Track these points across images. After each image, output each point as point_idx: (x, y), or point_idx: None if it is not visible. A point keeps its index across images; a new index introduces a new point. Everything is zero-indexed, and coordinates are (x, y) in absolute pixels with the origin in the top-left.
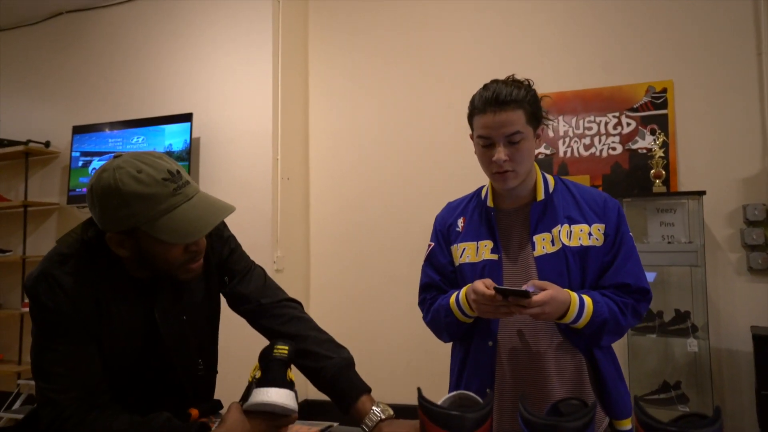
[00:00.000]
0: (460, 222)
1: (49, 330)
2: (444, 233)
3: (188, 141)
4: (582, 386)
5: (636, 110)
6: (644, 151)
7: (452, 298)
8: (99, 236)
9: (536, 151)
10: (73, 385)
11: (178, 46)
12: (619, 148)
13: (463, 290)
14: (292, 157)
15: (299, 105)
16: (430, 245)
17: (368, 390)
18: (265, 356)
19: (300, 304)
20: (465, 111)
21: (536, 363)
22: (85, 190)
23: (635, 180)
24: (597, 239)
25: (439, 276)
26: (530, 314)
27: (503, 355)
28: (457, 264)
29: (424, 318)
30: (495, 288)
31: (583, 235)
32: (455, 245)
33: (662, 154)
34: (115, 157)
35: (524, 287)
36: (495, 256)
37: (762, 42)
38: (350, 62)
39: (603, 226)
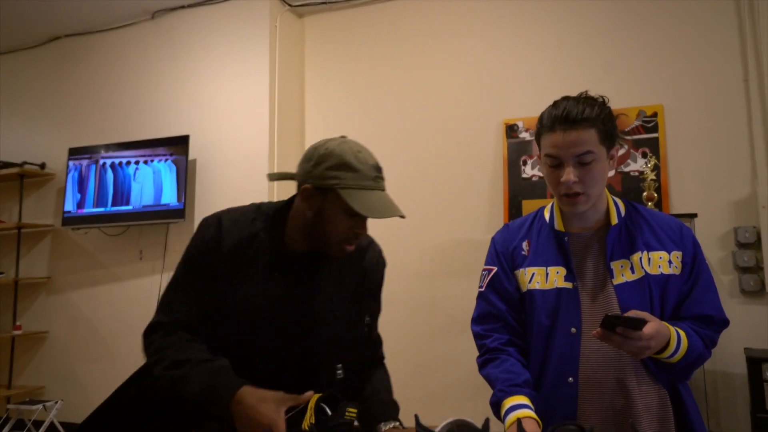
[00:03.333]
0: (525, 245)
1: (189, 262)
2: (507, 257)
3: (185, 164)
4: (668, 423)
5: (627, 134)
6: (636, 173)
7: (503, 407)
8: (280, 211)
9: (531, 173)
10: (184, 319)
11: (175, 68)
12: (612, 171)
13: (511, 419)
14: None
15: (296, 126)
16: (490, 270)
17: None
18: (337, 415)
19: (383, 359)
20: (462, 123)
21: (623, 400)
22: (81, 211)
23: None
24: (676, 267)
25: (505, 305)
26: (636, 348)
27: (586, 391)
28: (524, 289)
29: (480, 363)
30: (607, 316)
31: (663, 262)
32: (521, 269)
33: (654, 177)
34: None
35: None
36: (569, 284)
37: (748, 69)
38: (347, 83)
39: (681, 253)
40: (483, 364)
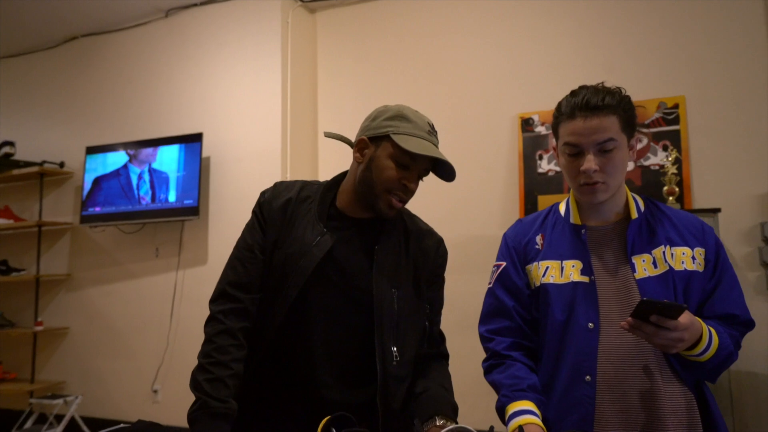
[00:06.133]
0: (539, 239)
1: (248, 226)
2: (520, 251)
3: (198, 161)
4: (695, 427)
5: (647, 126)
6: (657, 167)
7: (507, 412)
8: (334, 180)
9: (547, 168)
10: (243, 280)
11: (188, 66)
12: (631, 165)
13: (514, 425)
14: (301, 174)
15: (308, 122)
16: (499, 265)
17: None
18: None
19: (447, 358)
20: (476, 118)
21: (648, 402)
22: (98, 209)
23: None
24: (700, 264)
25: (513, 301)
26: (668, 339)
27: (605, 391)
28: (538, 284)
29: (485, 368)
30: (643, 301)
31: (687, 258)
32: (535, 263)
33: (675, 171)
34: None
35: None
36: (586, 278)
37: None
38: (359, 77)
39: (704, 250)
40: (488, 370)
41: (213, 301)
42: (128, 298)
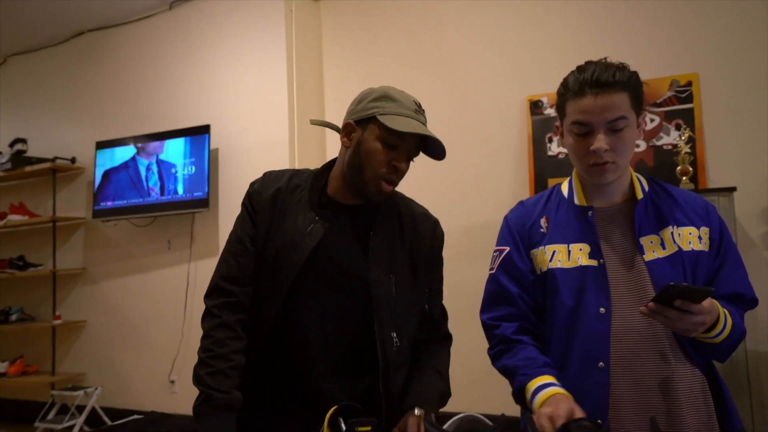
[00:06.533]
0: (543, 222)
1: (239, 219)
2: (524, 235)
3: (206, 153)
4: (711, 410)
5: (659, 105)
6: (669, 147)
7: (528, 390)
8: (324, 167)
9: (557, 150)
10: (236, 274)
11: (193, 58)
12: (643, 145)
13: (540, 398)
14: (309, 164)
15: (316, 111)
16: (502, 250)
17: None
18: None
19: (449, 339)
20: (484, 101)
21: (663, 385)
22: (109, 203)
23: (661, 178)
24: (705, 243)
25: (517, 287)
26: (690, 324)
27: (618, 377)
28: (544, 269)
29: (492, 355)
30: (669, 286)
31: (693, 238)
32: (540, 248)
33: (688, 150)
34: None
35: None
36: (595, 262)
37: None
38: (366, 69)
39: (708, 230)
40: (497, 356)
41: (207, 296)
42: (142, 291)
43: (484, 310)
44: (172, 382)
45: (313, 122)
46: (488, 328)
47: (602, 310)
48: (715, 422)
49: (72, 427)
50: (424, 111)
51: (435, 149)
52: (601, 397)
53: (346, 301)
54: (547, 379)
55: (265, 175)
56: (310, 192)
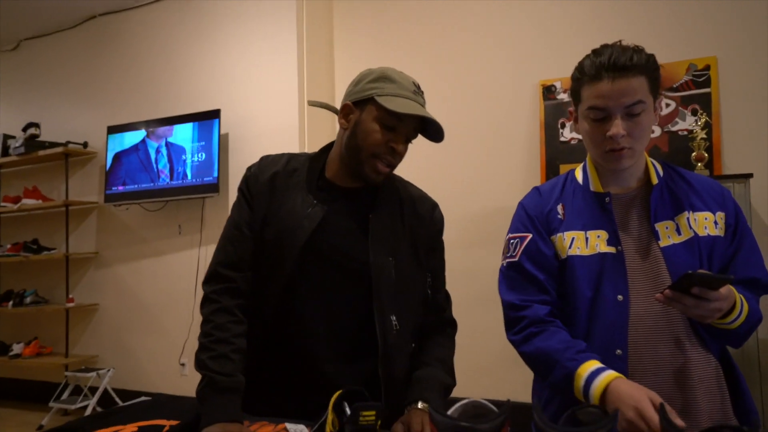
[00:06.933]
0: (560, 208)
1: (236, 203)
2: (543, 221)
3: (217, 137)
4: (725, 396)
5: (676, 90)
6: (685, 132)
7: (580, 376)
8: (321, 150)
9: (569, 136)
10: (234, 259)
11: (205, 44)
12: (658, 131)
13: (600, 384)
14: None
15: (326, 96)
16: (524, 237)
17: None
18: (351, 421)
19: (453, 325)
20: (496, 86)
21: (678, 371)
22: (121, 188)
23: (676, 164)
24: (721, 229)
25: (544, 274)
26: (707, 310)
27: (636, 364)
28: (564, 255)
29: (519, 339)
30: (688, 274)
31: (709, 224)
32: (559, 234)
33: (704, 136)
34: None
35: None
36: (613, 249)
37: None
38: (376, 55)
39: (724, 214)
40: (527, 338)
41: (206, 282)
42: (154, 275)
43: (510, 290)
44: (183, 364)
45: (311, 103)
46: (517, 308)
47: (620, 297)
48: (730, 409)
49: (85, 407)
50: (423, 92)
51: (433, 131)
52: None
53: (347, 284)
54: (599, 364)
55: (261, 159)
56: (308, 175)
